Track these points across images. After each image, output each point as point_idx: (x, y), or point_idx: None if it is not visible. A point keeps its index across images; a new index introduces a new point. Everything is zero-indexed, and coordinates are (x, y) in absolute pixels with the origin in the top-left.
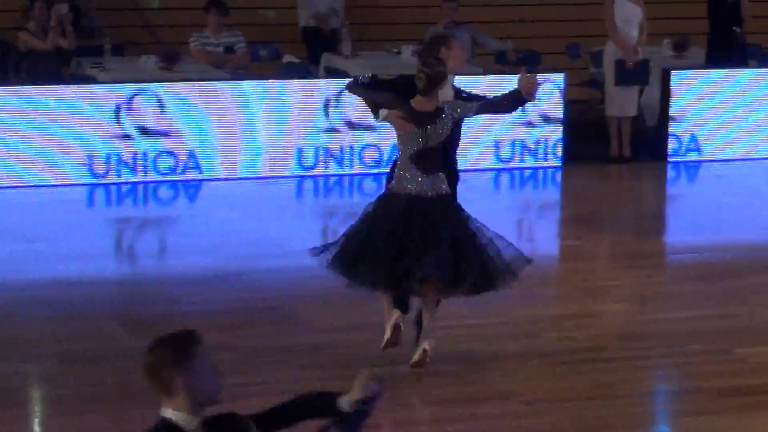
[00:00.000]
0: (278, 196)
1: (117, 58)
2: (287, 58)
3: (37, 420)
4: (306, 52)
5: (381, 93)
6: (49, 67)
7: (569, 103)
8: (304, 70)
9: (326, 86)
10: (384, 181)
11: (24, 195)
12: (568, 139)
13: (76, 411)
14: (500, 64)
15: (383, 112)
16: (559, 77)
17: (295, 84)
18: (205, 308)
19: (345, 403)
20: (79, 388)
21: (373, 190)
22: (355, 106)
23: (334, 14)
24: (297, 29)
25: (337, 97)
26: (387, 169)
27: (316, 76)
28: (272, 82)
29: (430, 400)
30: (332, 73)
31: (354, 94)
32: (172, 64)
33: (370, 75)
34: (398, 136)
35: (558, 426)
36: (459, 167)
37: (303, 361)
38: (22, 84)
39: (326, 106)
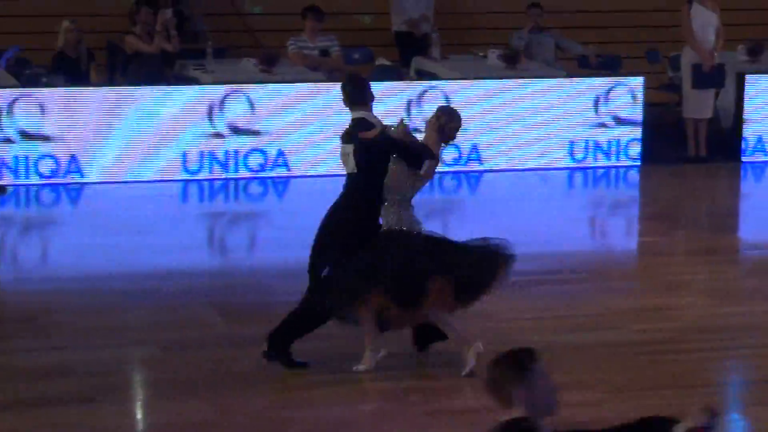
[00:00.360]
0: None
1: (219, 60)
2: (380, 60)
3: (138, 404)
4: (398, 55)
5: (416, 142)
6: (153, 68)
7: (648, 106)
8: (396, 73)
9: (408, 87)
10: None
11: (127, 189)
12: (646, 140)
13: (176, 396)
14: (582, 68)
15: (426, 164)
16: (638, 81)
17: (386, 85)
18: (295, 299)
19: (679, 430)
20: (179, 373)
21: (452, 188)
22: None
23: (425, 20)
24: (390, 34)
25: (419, 99)
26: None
27: (407, 78)
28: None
29: None
30: (422, 75)
31: (396, 149)
32: (271, 66)
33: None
34: (417, 180)
35: (636, 414)
36: (534, 165)
37: (392, 350)
38: (128, 84)
39: (408, 106)
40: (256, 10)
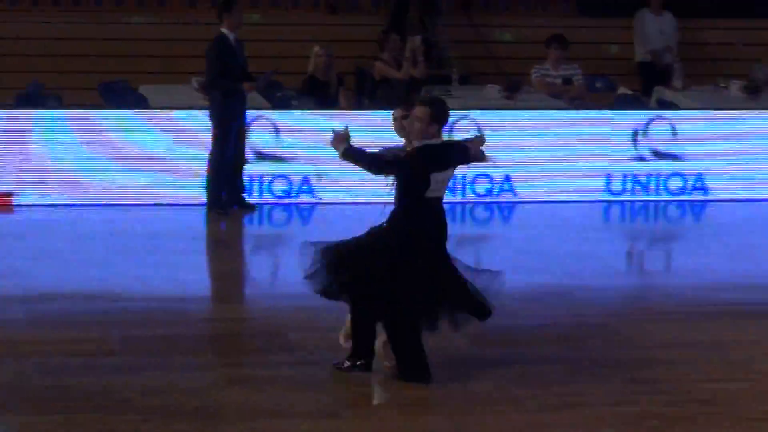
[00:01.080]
0: (586, 218)
1: (464, 86)
2: (621, 89)
3: (379, 418)
4: (639, 85)
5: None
6: (400, 94)
7: None
8: (637, 102)
9: (630, 118)
10: None
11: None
12: None
13: (414, 411)
14: None
15: None
16: None
17: (623, 114)
18: (539, 323)
19: None
20: (418, 389)
21: (675, 216)
22: (661, 137)
23: (668, 50)
24: (632, 63)
25: (645, 129)
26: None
27: (648, 108)
28: (604, 112)
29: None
30: (663, 104)
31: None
32: (514, 93)
33: None
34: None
35: None
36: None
37: (627, 375)
38: (374, 109)
39: (634, 136)
40: (506, 37)
